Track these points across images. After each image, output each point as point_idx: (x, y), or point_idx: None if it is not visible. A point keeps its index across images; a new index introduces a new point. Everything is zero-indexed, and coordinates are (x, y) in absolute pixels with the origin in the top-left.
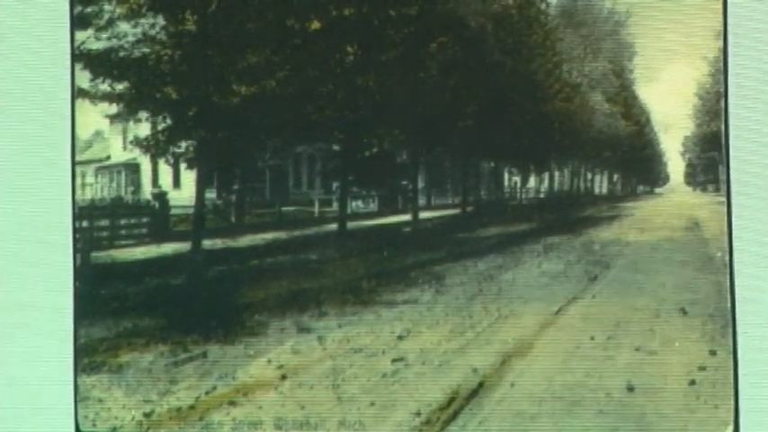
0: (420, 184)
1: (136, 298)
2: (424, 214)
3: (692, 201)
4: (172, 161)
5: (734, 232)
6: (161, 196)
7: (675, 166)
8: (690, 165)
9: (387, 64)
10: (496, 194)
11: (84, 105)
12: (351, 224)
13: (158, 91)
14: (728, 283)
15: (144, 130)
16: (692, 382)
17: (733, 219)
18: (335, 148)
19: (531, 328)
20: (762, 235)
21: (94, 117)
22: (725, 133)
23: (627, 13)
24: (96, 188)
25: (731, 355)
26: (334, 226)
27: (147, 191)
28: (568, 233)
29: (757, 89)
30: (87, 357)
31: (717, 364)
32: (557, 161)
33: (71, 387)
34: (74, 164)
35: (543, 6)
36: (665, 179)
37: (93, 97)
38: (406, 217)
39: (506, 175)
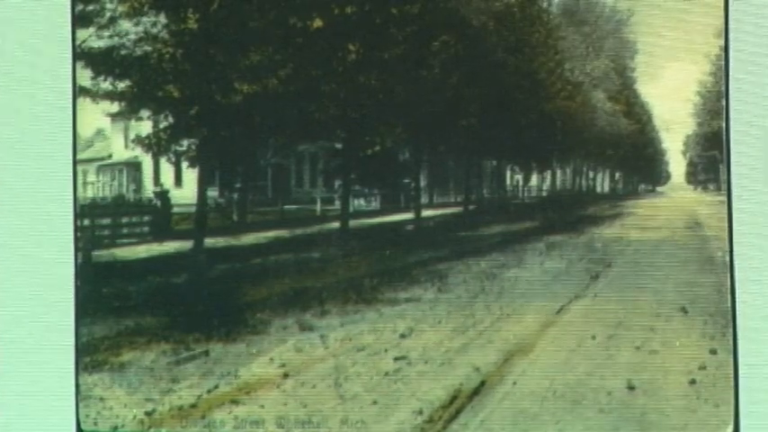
0: (422, 183)
1: (137, 296)
2: (426, 212)
3: (692, 199)
4: (174, 159)
5: (734, 231)
6: (163, 195)
7: (677, 164)
8: (691, 163)
9: (389, 62)
10: (499, 193)
11: (85, 104)
12: (353, 222)
13: (160, 89)
14: (729, 283)
15: (146, 128)
16: (693, 382)
17: (734, 218)
18: (338, 146)
19: (532, 326)
20: (762, 234)
21: (96, 115)
22: (726, 132)
23: (628, 11)
24: (98, 187)
25: (732, 355)
26: (336, 224)
27: (148, 189)
28: (570, 232)
29: (758, 88)
30: (89, 356)
31: (717, 364)
32: (559, 160)
33: (72, 386)
34: (75, 162)
35: (545, 5)
36: (667, 178)
37: (95, 95)
38: (409, 215)
39: (509, 174)
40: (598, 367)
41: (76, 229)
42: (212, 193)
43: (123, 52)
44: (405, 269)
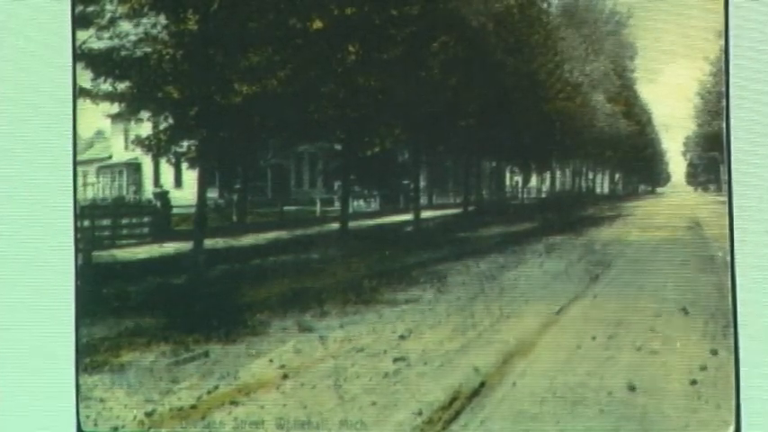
0: (422, 184)
1: (137, 297)
2: (425, 213)
3: (693, 200)
4: (173, 160)
5: (735, 232)
6: (163, 195)
7: (677, 165)
8: (691, 164)
9: (388, 63)
10: (498, 194)
11: (85, 105)
12: (352, 223)
13: (160, 90)
14: (730, 283)
15: (145, 129)
16: (694, 382)
17: (734, 218)
18: (337, 147)
19: (532, 327)
20: (763, 235)
21: (96, 116)
22: (726, 133)
23: (628, 13)
24: (98, 188)
25: (732, 355)
26: (335, 225)
27: (148, 190)
28: (570, 233)
29: (758, 89)
30: (89, 357)
31: (718, 364)
32: (558, 161)
33: (73, 387)
34: (75, 163)
35: (545, 6)
36: (667, 179)
37: (95, 97)
38: (408, 216)
39: (508, 175)
40: (598, 368)
41: (77, 229)
42: (212, 193)
43: (123, 53)
44: (404, 270)
